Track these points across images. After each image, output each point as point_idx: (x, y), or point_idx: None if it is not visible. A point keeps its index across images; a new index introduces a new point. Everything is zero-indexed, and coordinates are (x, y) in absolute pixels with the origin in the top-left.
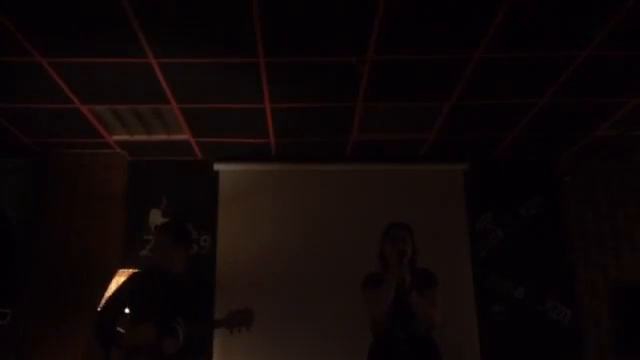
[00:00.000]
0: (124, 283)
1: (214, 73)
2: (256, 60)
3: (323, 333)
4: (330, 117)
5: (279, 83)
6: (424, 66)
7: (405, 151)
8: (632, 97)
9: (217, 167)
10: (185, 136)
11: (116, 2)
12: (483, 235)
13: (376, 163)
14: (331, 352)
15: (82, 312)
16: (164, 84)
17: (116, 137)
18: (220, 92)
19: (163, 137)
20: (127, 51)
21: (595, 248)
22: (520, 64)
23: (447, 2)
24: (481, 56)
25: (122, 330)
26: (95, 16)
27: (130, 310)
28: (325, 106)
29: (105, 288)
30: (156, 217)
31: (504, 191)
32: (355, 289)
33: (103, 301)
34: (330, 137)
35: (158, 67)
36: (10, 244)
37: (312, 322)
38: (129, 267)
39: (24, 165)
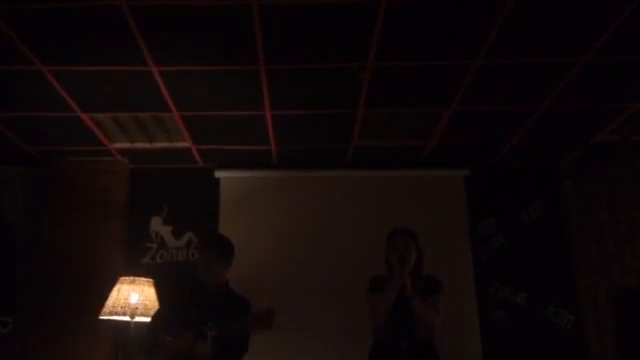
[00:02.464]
0: (170, 298)
1: (215, 80)
2: (257, 67)
3: (324, 339)
4: (331, 124)
5: (279, 90)
6: (424, 72)
7: (406, 157)
8: (632, 102)
9: (218, 174)
10: (186, 143)
11: (117, 11)
12: (485, 240)
13: (377, 169)
14: (333, 356)
15: (83, 320)
16: (165, 92)
17: (117, 145)
18: (221, 99)
19: (164, 145)
20: (128, 59)
21: (597, 253)
22: (520, 70)
23: (447, 9)
24: (481, 62)
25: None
26: (96, 25)
27: (174, 321)
28: (326, 113)
29: (106, 296)
30: (157, 224)
31: (505, 197)
32: (356, 294)
33: (151, 318)
34: (331, 143)
35: (159, 75)
36: (11, 252)
37: (313, 328)
38: (130, 274)
39: (25, 173)
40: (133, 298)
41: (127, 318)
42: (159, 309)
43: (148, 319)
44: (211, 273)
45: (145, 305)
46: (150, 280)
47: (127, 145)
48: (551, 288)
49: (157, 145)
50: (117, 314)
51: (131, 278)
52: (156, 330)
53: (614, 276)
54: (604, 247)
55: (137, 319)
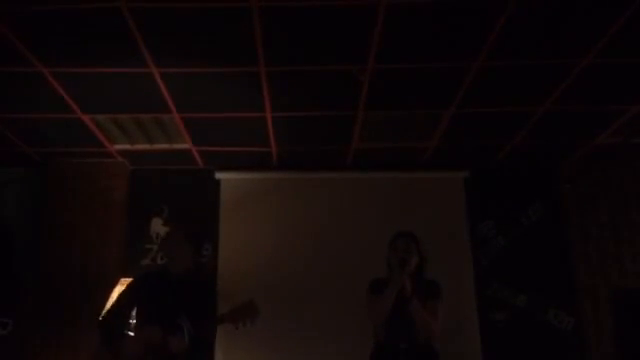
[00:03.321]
0: (130, 285)
1: (215, 82)
2: (257, 69)
3: (325, 340)
4: (331, 125)
5: (280, 92)
6: (424, 74)
7: (406, 159)
8: (632, 104)
9: (218, 176)
10: (186, 145)
11: (117, 13)
12: (484, 242)
13: (377, 171)
14: (333, 357)
15: (83, 321)
16: (165, 93)
17: (117, 146)
18: (221, 101)
19: (164, 146)
20: (128, 61)
21: (597, 255)
22: (520, 72)
23: (446, 10)
24: (481, 64)
25: (131, 332)
26: (97, 26)
27: (137, 311)
28: (326, 115)
29: (106, 297)
30: (157, 226)
31: (505, 198)
32: (356, 295)
33: (108, 304)
34: (331, 145)
35: (159, 77)
36: (10, 254)
37: (314, 329)
38: (130, 276)
39: (25, 174)
40: None
41: (133, 313)
42: (120, 297)
43: None
44: (176, 257)
45: None
46: None
47: (127, 146)
48: (551, 290)
49: (157, 146)
50: None
51: (131, 279)
52: (120, 314)
53: (614, 278)
54: (604, 249)
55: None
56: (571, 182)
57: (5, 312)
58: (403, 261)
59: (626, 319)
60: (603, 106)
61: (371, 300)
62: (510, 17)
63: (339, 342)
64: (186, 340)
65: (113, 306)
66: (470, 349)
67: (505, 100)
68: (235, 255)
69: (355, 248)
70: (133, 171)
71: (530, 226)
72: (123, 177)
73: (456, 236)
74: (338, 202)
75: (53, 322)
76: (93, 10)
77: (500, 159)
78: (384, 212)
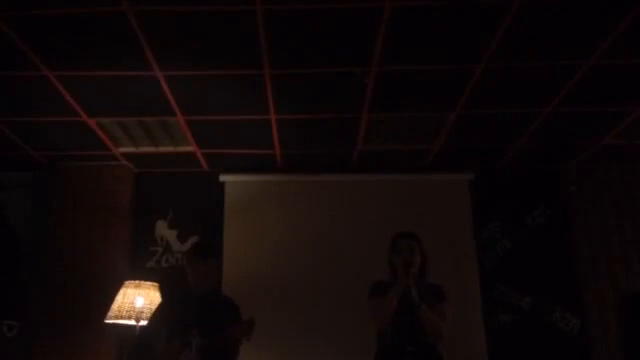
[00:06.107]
0: (161, 303)
1: (220, 85)
2: (261, 72)
3: (328, 344)
4: (335, 128)
5: (284, 94)
6: (428, 76)
7: (411, 161)
8: (637, 106)
9: (223, 178)
10: (191, 148)
11: (123, 17)
12: (490, 245)
13: (382, 173)
14: None
15: (89, 324)
16: (170, 97)
17: (122, 149)
18: (226, 104)
19: (169, 149)
20: (134, 65)
21: (603, 258)
22: (525, 74)
23: (450, 13)
24: (486, 66)
25: (158, 347)
26: (102, 30)
27: (166, 328)
28: (330, 117)
29: (112, 300)
30: (162, 229)
31: (510, 201)
32: (360, 299)
33: (114, 306)
34: (335, 148)
35: (164, 80)
36: (16, 257)
37: (317, 333)
38: (136, 279)
39: (31, 178)
40: (139, 302)
41: (132, 322)
42: (155, 313)
43: None
44: (197, 277)
45: (150, 309)
46: (155, 284)
47: (132, 149)
48: (557, 293)
49: (162, 149)
50: (122, 318)
51: (136, 282)
52: (149, 334)
53: (620, 280)
54: (610, 251)
55: (142, 323)
56: (576, 184)
57: (12, 315)
58: (408, 262)
59: (633, 321)
60: (608, 107)
61: (374, 303)
62: (514, 19)
63: (342, 344)
64: (193, 354)
65: (147, 325)
66: (476, 352)
67: (510, 102)
68: (239, 257)
69: (359, 250)
70: (138, 174)
71: (535, 228)
72: (128, 180)
73: (461, 238)
74: (342, 204)
75: (59, 324)
76: (98, 14)
77: (505, 161)
78: (388, 214)
